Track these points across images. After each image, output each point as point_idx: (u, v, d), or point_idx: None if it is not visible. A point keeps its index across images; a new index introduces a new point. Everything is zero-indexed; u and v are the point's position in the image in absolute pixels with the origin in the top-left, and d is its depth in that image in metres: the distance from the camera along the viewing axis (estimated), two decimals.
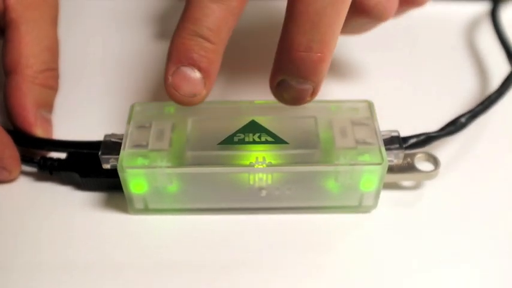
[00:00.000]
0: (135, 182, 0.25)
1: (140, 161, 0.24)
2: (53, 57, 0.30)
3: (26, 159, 0.28)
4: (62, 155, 0.28)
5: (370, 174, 0.25)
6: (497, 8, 0.38)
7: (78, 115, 0.32)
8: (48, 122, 0.29)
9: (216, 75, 0.25)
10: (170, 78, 0.24)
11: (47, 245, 0.25)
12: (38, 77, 0.28)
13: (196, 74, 0.24)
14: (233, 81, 0.34)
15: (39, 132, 0.28)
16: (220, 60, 0.25)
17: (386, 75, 0.35)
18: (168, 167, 0.24)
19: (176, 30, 0.24)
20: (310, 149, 0.25)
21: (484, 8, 0.40)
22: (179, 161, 0.25)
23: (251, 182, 0.25)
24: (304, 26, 0.23)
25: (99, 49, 0.38)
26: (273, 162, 0.24)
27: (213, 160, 0.25)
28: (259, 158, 0.25)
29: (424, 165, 0.27)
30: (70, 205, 0.27)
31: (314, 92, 0.24)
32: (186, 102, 0.25)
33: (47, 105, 0.29)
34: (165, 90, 0.24)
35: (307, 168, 0.25)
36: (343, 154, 0.25)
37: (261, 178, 0.25)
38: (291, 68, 0.23)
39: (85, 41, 0.38)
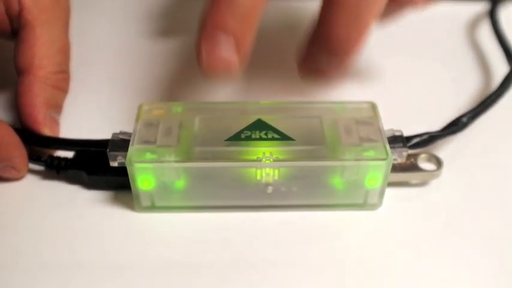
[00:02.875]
0: (143, 177, 0.25)
1: (148, 155, 0.25)
2: (66, 60, 0.30)
3: (33, 157, 0.28)
4: (69, 154, 0.28)
5: (375, 170, 0.25)
6: (496, 8, 0.39)
7: (86, 115, 0.32)
8: (56, 123, 0.29)
9: (249, 48, 0.25)
10: (203, 44, 0.24)
11: (53, 244, 0.25)
12: (51, 78, 0.29)
13: (230, 39, 0.23)
14: (240, 82, 0.35)
15: (46, 132, 0.28)
16: (254, 33, 0.24)
17: (388, 76, 0.35)
18: (176, 161, 0.25)
19: (210, 7, 0.24)
20: (316, 145, 0.25)
21: (483, 8, 0.41)
22: (187, 156, 0.25)
23: (258, 178, 0.25)
24: (344, 19, 0.23)
25: (107, 48, 0.38)
26: (280, 157, 0.25)
27: (220, 155, 0.25)
28: (266, 153, 0.25)
29: (427, 166, 0.28)
30: (76, 204, 0.27)
31: (344, 67, 0.26)
32: (219, 67, 0.24)
33: (57, 107, 0.30)
34: (196, 57, 0.24)
35: (314, 163, 0.25)
36: (349, 150, 0.25)
37: (268, 173, 0.25)
38: (326, 53, 0.24)
39: (92, 41, 0.38)
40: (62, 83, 0.30)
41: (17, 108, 0.29)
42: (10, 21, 0.29)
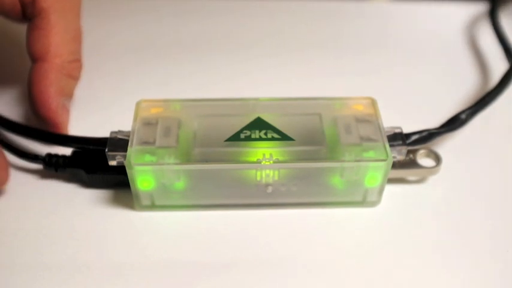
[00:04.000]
0: (143, 178, 0.25)
1: (148, 157, 0.25)
2: (79, 48, 0.30)
3: (31, 156, 0.28)
4: (68, 151, 0.28)
5: (374, 170, 0.25)
6: (495, 8, 0.39)
7: (84, 112, 0.32)
8: (67, 112, 0.30)
9: None
10: None
11: (52, 243, 0.25)
12: (66, 67, 0.29)
13: None
14: (237, 78, 0.35)
15: (59, 120, 0.29)
16: None
17: (389, 74, 0.35)
18: (176, 163, 0.24)
19: None
20: (316, 146, 0.25)
21: (483, 8, 0.41)
22: (186, 157, 0.25)
23: (258, 179, 0.25)
24: None
25: (105, 45, 0.38)
26: (280, 158, 0.25)
27: (220, 157, 0.25)
28: (266, 154, 0.25)
29: (426, 161, 0.28)
30: (75, 202, 0.27)
31: None
32: None
33: (69, 95, 0.30)
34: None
35: (314, 164, 0.25)
36: (349, 150, 0.25)
37: (268, 174, 0.25)
38: None
39: (90, 38, 0.38)
40: (75, 72, 0.30)
41: (30, 95, 0.29)
42: (22, 7, 0.29)
